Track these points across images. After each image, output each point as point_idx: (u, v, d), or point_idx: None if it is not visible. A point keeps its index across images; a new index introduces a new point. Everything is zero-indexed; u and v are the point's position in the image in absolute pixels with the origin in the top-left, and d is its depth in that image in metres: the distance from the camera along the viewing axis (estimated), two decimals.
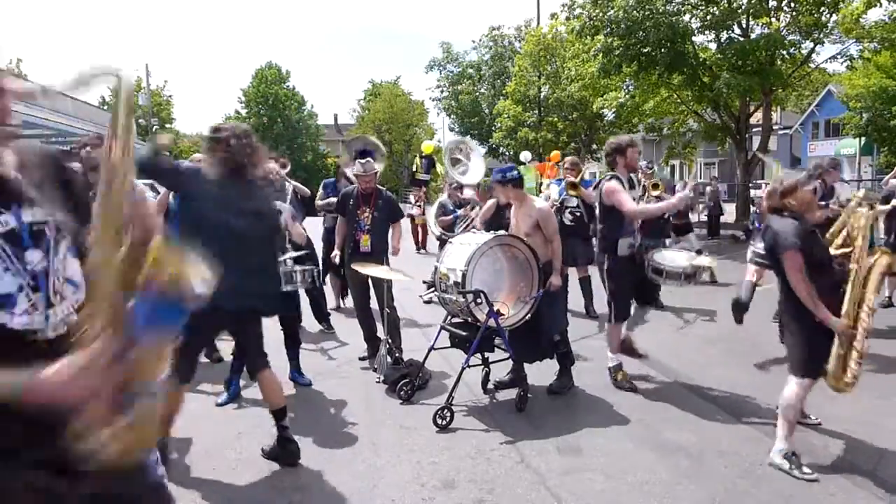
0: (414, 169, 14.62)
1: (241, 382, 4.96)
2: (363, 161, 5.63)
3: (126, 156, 1.35)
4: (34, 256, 1.40)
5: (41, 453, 1.36)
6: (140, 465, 1.56)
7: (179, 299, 1.31)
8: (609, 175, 5.02)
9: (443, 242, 7.43)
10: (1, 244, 1.36)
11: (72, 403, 1.26)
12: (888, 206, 7.94)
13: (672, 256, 4.80)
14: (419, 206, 14.86)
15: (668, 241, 7.23)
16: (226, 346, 5.66)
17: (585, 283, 7.55)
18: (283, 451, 3.75)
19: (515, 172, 4.89)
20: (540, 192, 8.86)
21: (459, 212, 8.41)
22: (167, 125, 44.20)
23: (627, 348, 5.21)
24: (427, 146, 15.31)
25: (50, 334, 1.40)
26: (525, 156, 17.60)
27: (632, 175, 5.08)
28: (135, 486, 1.57)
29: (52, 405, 1.25)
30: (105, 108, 37.21)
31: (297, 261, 5.16)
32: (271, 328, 4.49)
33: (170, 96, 44.94)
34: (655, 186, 6.62)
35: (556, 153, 15.07)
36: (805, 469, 3.51)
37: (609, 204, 4.87)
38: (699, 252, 6.89)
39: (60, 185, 1.54)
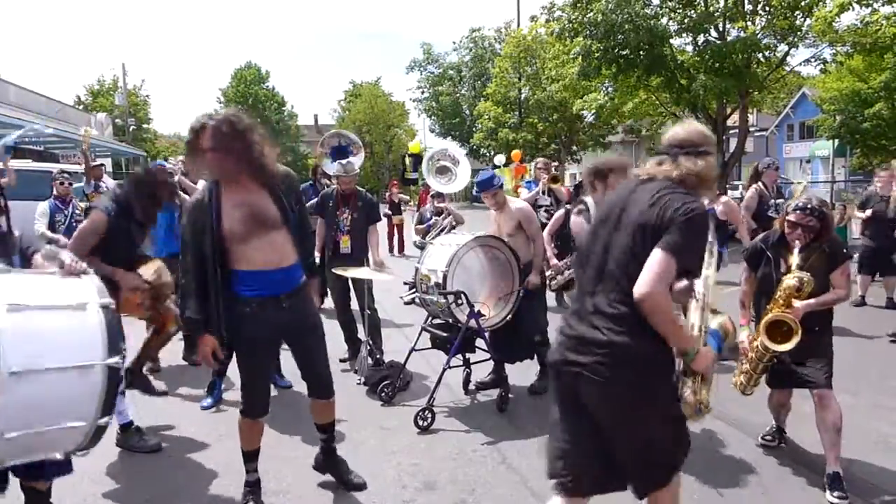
0: (403, 168, 14.71)
1: (222, 386, 4.91)
2: (343, 162, 5.62)
3: None
4: None
5: None
6: None
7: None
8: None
9: (422, 249, 7.46)
10: None
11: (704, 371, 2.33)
12: (865, 214, 8.14)
13: None
14: (409, 205, 14.96)
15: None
16: None
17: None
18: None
19: (499, 178, 4.99)
20: (517, 194, 9.08)
21: (432, 220, 8.48)
22: (144, 125, 43.57)
23: None
24: (414, 145, 15.43)
25: None
26: (499, 159, 18.08)
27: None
28: None
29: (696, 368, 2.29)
30: (80, 107, 36.66)
31: None
32: None
33: (147, 96, 44.30)
34: (555, 180, 7.75)
35: (516, 152, 15.84)
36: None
37: None
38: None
39: None
